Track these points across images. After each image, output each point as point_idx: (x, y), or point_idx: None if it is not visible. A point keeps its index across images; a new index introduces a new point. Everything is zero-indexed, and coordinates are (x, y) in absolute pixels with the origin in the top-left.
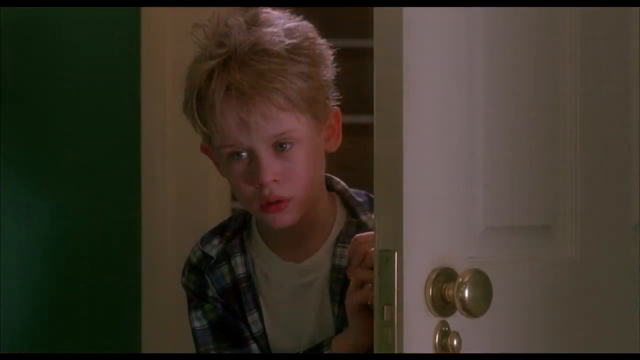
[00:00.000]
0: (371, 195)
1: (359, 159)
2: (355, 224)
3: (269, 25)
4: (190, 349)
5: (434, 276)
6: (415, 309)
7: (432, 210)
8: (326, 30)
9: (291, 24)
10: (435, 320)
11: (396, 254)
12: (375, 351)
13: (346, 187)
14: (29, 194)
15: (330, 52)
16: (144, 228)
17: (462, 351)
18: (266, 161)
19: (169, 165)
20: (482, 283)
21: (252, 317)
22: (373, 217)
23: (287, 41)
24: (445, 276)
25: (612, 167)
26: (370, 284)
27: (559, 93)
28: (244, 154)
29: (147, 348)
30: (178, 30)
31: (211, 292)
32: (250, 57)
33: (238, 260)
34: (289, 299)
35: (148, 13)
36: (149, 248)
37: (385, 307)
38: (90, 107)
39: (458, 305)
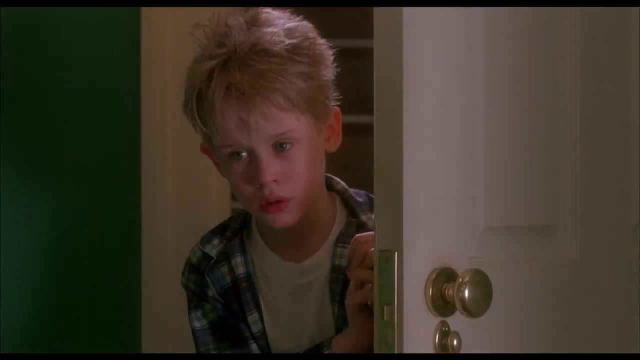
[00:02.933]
0: (371, 195)
1: (359, 159)
2: (355, 224)
3: (269, 25)
4: (190, 349)
5: (434, 276)
6: (415, 309)
7: (432, 210)
8: (326, 30)
9: (291, 24)
10: (435, 320)
11: (396, 254)
12: (375, 351)
13: (346, 187)
14: (29, 194)
15: (330, 52)
16: (144, 228)
17: (462, 351)
18: (266, 161)
19: (169, 165)
20: (482, 283)
21: (252, 317)
22: (373, 217)
23: (287, 41)
24: (445, 276)
25: (612, 167)
26: (370, 284)
27: (559, 93)
28: (244, 154)
29: (147, 348)
30: (178, 30)
31: (211, 292)
32: (250, 57)
33: (238, 260)
34: (289, 299)
35: (148, 13)
36: (149, 248)
37: (385, 307)
38: (90, 107)
39: (458, 305)
